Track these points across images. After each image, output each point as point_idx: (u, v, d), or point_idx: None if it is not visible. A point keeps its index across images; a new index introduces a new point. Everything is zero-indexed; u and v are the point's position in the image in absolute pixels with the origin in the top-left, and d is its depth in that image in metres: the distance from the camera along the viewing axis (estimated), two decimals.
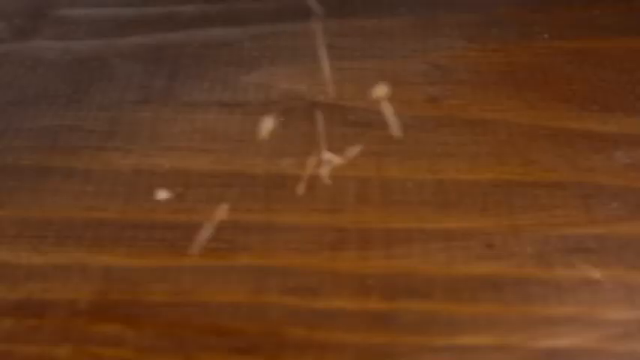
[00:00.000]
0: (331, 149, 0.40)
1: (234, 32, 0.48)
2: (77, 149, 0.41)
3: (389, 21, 0.49)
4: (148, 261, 0.36)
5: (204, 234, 0.36)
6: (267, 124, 0.41)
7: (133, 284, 0.35)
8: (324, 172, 0.39)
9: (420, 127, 0.41)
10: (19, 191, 0.39)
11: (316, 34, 0.48)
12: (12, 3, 0.51)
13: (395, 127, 0.35)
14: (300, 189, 0.38)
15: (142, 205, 0.38)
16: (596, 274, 0.35)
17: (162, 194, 0.38)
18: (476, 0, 0.50)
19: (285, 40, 0.48)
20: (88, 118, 0.43)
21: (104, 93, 0.44)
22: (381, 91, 0.32)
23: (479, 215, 0.37)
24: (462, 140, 0.41)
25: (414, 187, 0.38)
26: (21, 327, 0.33)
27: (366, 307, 0.33)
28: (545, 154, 0.40)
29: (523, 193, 0.38)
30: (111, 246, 0.36)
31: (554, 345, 0.33)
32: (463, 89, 0.44)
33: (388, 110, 0.35)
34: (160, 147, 0.41)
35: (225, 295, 0.34)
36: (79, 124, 0.42)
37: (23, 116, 0.43)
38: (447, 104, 0.43)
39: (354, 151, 0.40)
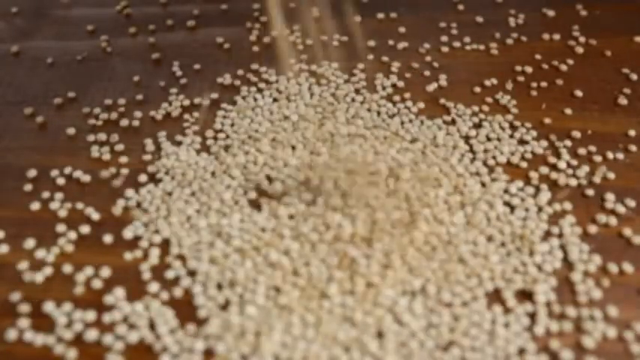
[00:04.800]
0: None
1: (234, 32, 0.48)
2: (77, 149, 0.41)
3: (389, 20, 0.49)
4: (149, 261, 0.36)
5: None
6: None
7: (136, 284, 0.35)
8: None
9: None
10: (19, 191, 0.39)
11: (315, 34, 0.48)
12: (12, 3, 0.51)
13: None
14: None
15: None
16: (596, 273, 0.35)
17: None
18: (476, 0, 0.50)
19: (284, 40, 0.48)
20: (88, 118, 0.43)
21: (104, 93, 0.44)
22: None
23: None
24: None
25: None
26: (21, 327, 0.33)
27: None
28: (545, 153, 0.40)
29: (523, 193, 0.38)
30: (112, 246, 0.36)
31: (556, 344, 0.33)
32: (463, 89, 0.44)
33: None
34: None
35: None
36: (79, 124, 0.42)
37: (23, 116, 0.43)
38: (448, 104, 0.43)
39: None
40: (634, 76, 0.45)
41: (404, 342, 0.32)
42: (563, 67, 0.45)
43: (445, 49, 0.47)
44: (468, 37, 0.47)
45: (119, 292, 0.34)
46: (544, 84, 0.44)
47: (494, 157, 0.40)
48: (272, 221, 0.37)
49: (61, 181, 0.39)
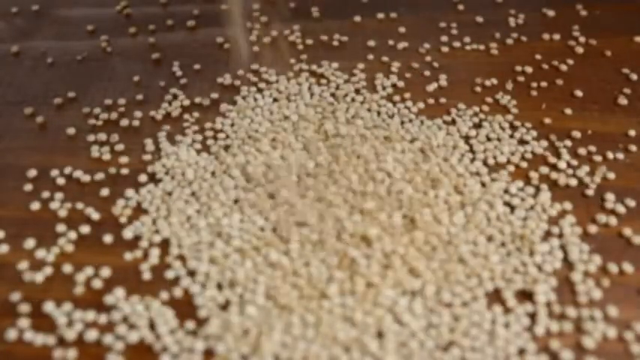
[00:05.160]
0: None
1: (234, 33, 0.48)
2: (77, 149, 0.41)
3: (389, 20, 0.49)
4: (149, 261, 0.36)
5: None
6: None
7: (136, 284, 0.35)
8: None
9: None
10: (19, 191, 0.39)
11: (316, 34, 0.48)
12: (12, 3, 0.51)
13: None
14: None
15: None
16: (596, 273, 0.35)
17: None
18: (476, 0, 0.50)
19: (284, 40, 0.48)
20: (88, 118, 0.43)
21: (104, 93, 0.44)
22: None
23: None
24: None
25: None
26: (21, 327, 0.33)
27: None
28: (545, 153, 0.40)
29: (523, 192, 0.38)
30: (112, 246, 0.36)
31: (556, 345, 0.33)
32: (463, 89, 0.44)
33: None
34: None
35: None
36: (79, 124, 0.42)
37: (23, 116, 0.43)
38: (448, 103, 0.43)
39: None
40: (634, 76, 0.45)
41: (404, 342, 0.32)
42: (563, 67, 0.45)
43: (445, 49, 0.47)
44: (468, 37, 0.47)
45: (119, 292, 0.34)
46: (544, 84, 0.44)
47: (494, 157, 0.40)
48: (271, 221, 0.37)
49: (61, 181, 0.39)
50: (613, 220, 0.37)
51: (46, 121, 0.43)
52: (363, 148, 0.40)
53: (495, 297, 0.34)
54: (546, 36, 0.47)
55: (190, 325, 0.33)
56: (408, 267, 0.35)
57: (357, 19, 0.49)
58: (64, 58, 0.47)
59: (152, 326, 0.33)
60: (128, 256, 0.36)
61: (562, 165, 0.40)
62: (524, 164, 0.40)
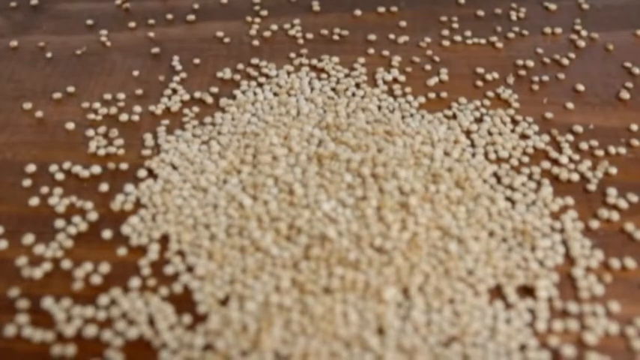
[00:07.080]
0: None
1: (234, 27, 0.48)
2: (76, 145, 0.41)
3: (390, 14, 0.49)
4: (148, 257, 0.36)
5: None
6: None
7: (136, 279, 0.35)
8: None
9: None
10: (17, 186, 0.39)
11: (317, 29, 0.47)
12: None
13: None
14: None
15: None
16: (598, 268, 0.35)
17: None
18: None
19: (282, 35, 0.47)
20: (88, 112, 0.42)
21: (103, 88, 0.44)
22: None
23: None
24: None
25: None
26: (20, 323, 0.33)
27: None
28: (547, 148, 0.40)
29: (525, 187, 0.38)
30: (111, 242, 0.36)
31: (557, 340, 0.33)
32: (464, 83, 0.44)
33: None
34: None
35: None
36: (79, 119, 0.42)
37: (22, 111, 0.43)
38: (449, 98, 0.43)
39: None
40: (636, 70, 0.44)
41: (405, 338, 0.32)
42: (565, 61, 0.45)
43: (446, 42, 0.46)
44: (469, 30, 0.47)
45: (118, 287, 0.34)
46: (546, 78, 0.44)
47: (495, 152, 0.40)
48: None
49: (60, 176, 0.39)
50: (615, 216, 0.37)
51: (45, 115, 0.43)
52: (364, 143, 0.39)
53: (497, 292, 0.34)
54: (548, 30, 0.47)
55: (186, 317, 0.33)
56: (409, 263, 0.35)
57: (358, 12, 0.49)
58: (63, 53, 0.47)
59: (151, 322, 0.33)
60: (127, 251, 0.36)
61: (564, 160, 0.39)
62: (525, 159, 0.39)
